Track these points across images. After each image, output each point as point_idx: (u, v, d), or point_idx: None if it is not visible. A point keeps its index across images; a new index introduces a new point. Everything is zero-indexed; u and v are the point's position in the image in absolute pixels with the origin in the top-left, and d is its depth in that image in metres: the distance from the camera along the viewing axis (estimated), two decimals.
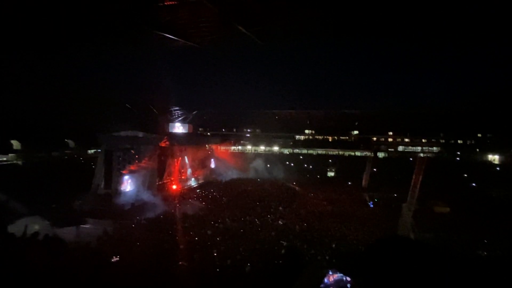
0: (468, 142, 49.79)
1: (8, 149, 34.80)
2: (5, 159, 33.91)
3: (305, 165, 50.41)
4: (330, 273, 1.16)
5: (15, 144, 35.95)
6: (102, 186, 27.81)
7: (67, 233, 17.83)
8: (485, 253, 17.38)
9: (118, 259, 14.28)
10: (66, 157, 40.86)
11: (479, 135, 49.36)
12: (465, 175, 39.60)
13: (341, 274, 1.13)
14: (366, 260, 0.98)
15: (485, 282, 0.90)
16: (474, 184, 36.97)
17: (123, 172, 28.28)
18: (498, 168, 41.95)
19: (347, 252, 16.50)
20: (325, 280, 1.15)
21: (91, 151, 43.03)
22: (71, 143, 43.43)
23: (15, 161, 34.17)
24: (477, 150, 47.24)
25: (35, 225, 18.98)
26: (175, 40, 10.74)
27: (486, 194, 31.32)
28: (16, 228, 16.87)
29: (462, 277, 0.86)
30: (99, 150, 30.92)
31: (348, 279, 1.10)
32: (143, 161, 29.87)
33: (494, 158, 44.83)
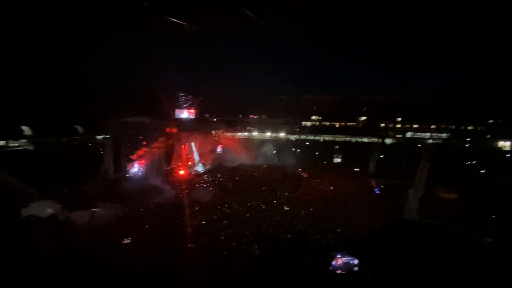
0: (479, 129, 48.81)
1: (19, 135, 35.42)
2: (16, 144, 34.59)
3: (312, 151, 50.29)
4: (338, 256, 1.17)
5: (26, 130, 36.54)
6: (111, 171, 28.30)
7: (79, 216, 18.37)
8: (491, 239, 17.38)
9: (129, 241, 14.73)
10: (75, 143, 41.48)
11: (490, 121, 48.30)
12: (474, 162, 39.06)
13: (349, 257, 1.14)
14: (373, 243, 0.99)
15: (488, 267, 0.90)
16: (483, 171, 36.52)
17: (131, 157, 28.70)
18: (508, 155, 41.23)
19: (352, 236, 16.70)
20: (333, 263, 1.16)
21: (99, 137, 43.54)
22: (80, 129, 43.95)
23: (26, 147, 34.83)
24: (487, 136, 46.33)
25: (48, 209, 19.63)
26: (181, 24, 10.56)
27: (494, 180, 30.94)
28: (29, 211, 17.38)
29: (465, 259, 0.87)
30: (107, 136, 31.26)
31: (356, 262, 1.11)
32: (151, 147, 30.20)
33: (505, 144, 43.97)
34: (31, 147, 34.66)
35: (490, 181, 31.06)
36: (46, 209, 19.50)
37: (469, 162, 39.48)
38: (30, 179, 22.12)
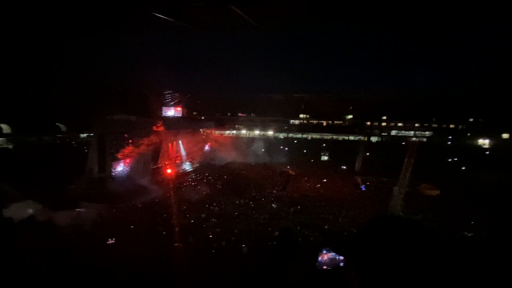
0: (460, 127, 50.46)
1: None
2: None
3: (299, 149, 50.63)
4: (324, 252, 1.20)
5: (5, 127, 35.17)
6: (96, 170, 27.62)
7: (62, 216, 17.88)
8: (471, 233, 18.04)
9: (113, 241, 14.47)
10: (58, 141, 40.24)
11: (471, 119, 50.03)
12: (456, 159, 40.40)
13: (334, 253, 1.16)
14: (358, 239, 1.02)
15: (471, 260, 0.95)
16: (463, 168, 37.81)
17: (117, 156, 28.10)
18: (487, 152, 42.79)
19: (339, 232, 16.97)
20: (319, 259, 1.19)
21: (83, 135, 42.39)
22: (62, 127, 42.66)
23: (5, 145, 33.53)
24: (468, 134, 47.95)
25: (29, 209, 19.01)
26: (169, 21, 10.40)
27: (475, 177, 32.10)
28: (11, 212, 16.77)
29: (449, 255, 0.90)
30: (92, 134, 30.47)
31: (341, 258, 1.14)
32: (137, 145, 29.65)
33: (485, 142, 45.61)
34: (10, 146, 33.40)
35: (471, 178, 32.20)
36: (28, 209, 18.90)
37: (451, 160, 40.83)
38: (10, 179, 21.34)
